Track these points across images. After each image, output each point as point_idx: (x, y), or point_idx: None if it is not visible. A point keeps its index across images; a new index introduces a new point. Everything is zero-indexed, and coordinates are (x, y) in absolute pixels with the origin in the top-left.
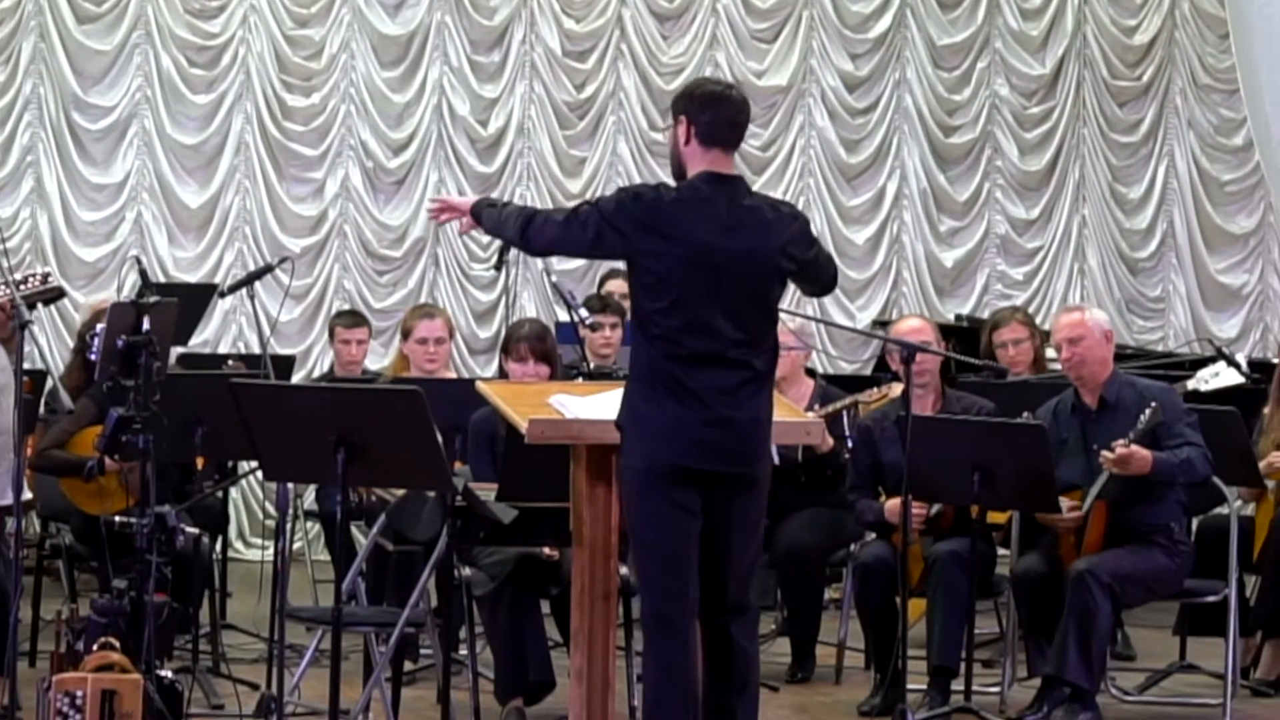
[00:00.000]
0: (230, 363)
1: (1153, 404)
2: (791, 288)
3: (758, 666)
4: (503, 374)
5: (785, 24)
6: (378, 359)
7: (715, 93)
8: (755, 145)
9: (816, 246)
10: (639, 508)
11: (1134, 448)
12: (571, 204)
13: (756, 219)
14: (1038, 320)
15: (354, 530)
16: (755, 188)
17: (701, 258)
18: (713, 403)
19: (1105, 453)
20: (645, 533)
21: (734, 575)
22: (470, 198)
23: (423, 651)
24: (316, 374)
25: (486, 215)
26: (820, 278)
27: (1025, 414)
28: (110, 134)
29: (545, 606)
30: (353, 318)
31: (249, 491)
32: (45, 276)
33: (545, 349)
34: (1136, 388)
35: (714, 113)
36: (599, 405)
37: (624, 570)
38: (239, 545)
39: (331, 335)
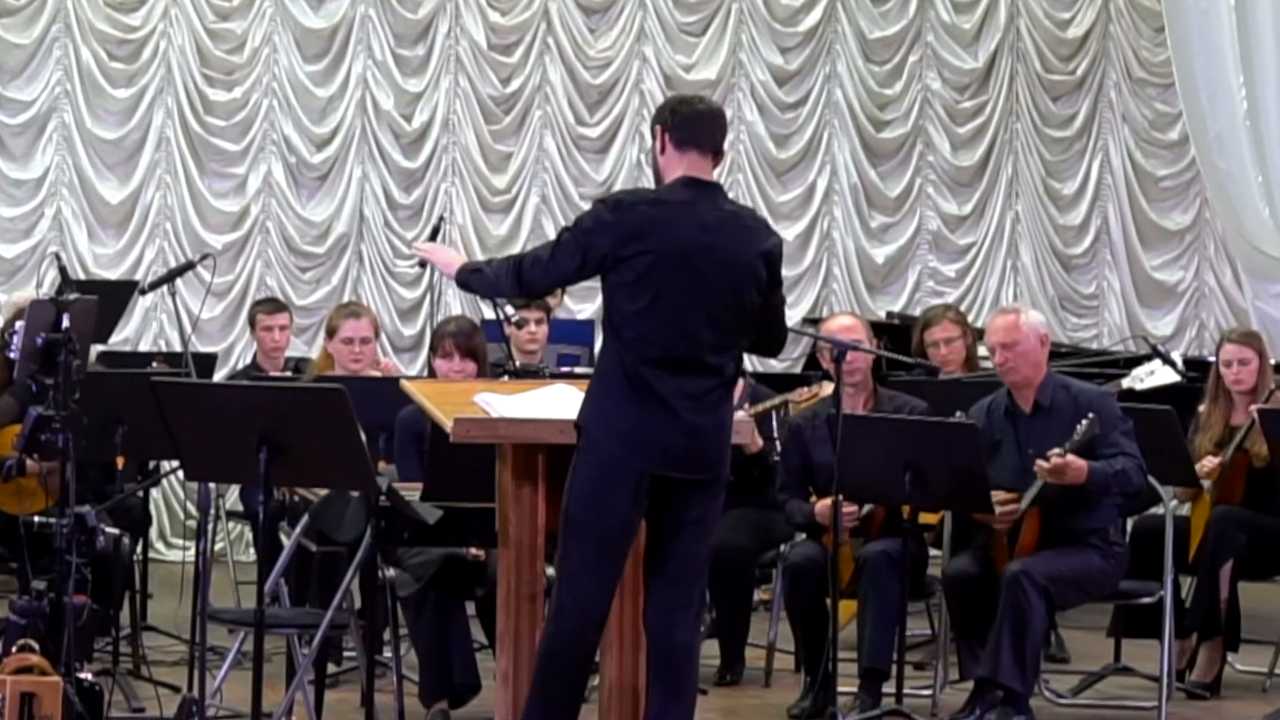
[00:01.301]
0: (155, 364)
1: (1090, 415)
2: None
3: (697, 667)
4: (430, 372)
5: (714, 17)
6: (299, 352)
7: (684, 98)
8: None
9: (782, 285)
10: (588, 506)
11: (1069, 458)
12: (497, 200)
13: (736, 224)
14: (970, 318)
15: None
16: None
17: (681, 258)
18: (681, 409)
19: (1040, 462)
20: (588, 531)
21: (682, 575)
22: (456, 258)
23: (346, 654)
24: (240, 368)
25: (477, 281)
26: (776, 328)
27: (958, 413)
28: (29, 129)
29: (470, 608)
30: (273, 304)
31: (170, 491)
32: None
33: (472, 346)
34: (1071, 391)
35: (683, 116)
36: (525, 404)
37: (550, 571)
38: (160, 546)
39: (252, 324)
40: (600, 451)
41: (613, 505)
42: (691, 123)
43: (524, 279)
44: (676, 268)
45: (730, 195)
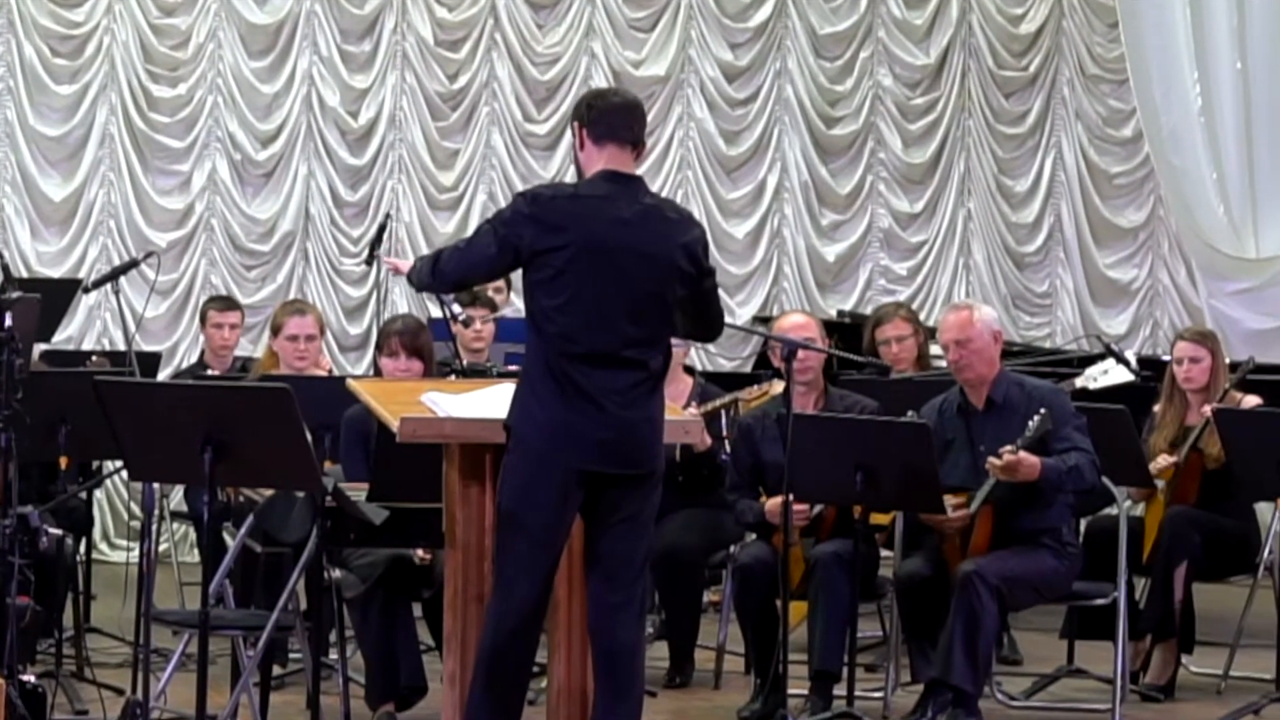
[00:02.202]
0: (93, 359)
1: (1042, 410)
2: None
3: (643, 668)
4: (376, 370)
5: (663, 13)
6: (246, 352)
7: (600, 91)
8: None
9: (712, 273)
10: (519, 505)
11: (1022, 454)
12: (444, 197)
13: (657, 216)
14: (922, 316)
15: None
16: None
17: (601, 252)
18: (607, 404)
19: (992, 459)
20: (520, 530)
21: (620, 574)
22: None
23: (292, 655)
24: (185, 366)
25: (414, 276)
26: (709, 313)
27: (910, 413)
28: None
29: (417, 609)
30: (225, 302)
31: (114, 492)
32: None
33: (418, 344)
34: (1024, 388)
35: (600, 110)
36: (472, 403)
37: None
38: (104, 547)
39: (203, 320)
40: (529, 449)
41: (543, 503)
42: (608, 116)
43: (438, 269)
44: (596, 262)
45: (680, 193)
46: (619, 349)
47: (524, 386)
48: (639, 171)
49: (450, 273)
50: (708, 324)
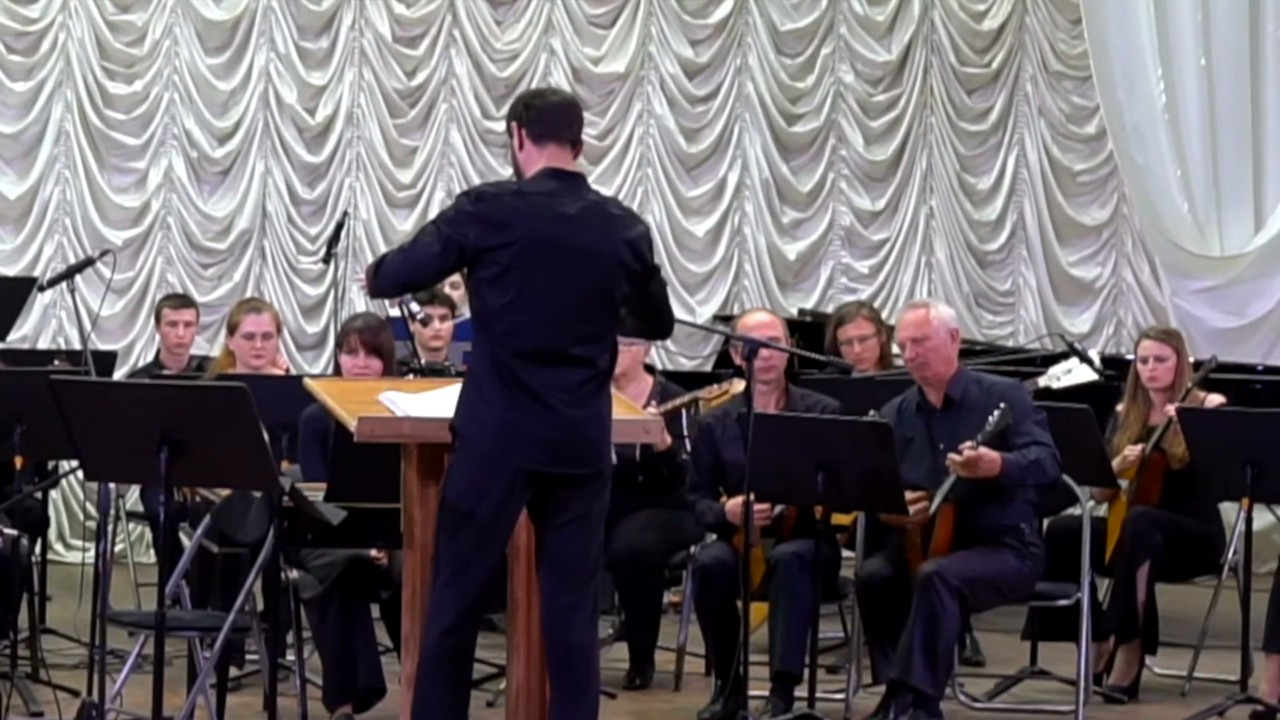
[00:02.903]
0: (56, 362)
1: (1002, 405)
2: None
3: (598, 669)
4: (336, 368)
5: (623, 9)
6: (202, 351)
7: (537, 91)
8: (592, 134)
9: (658, 269)
10: (462, 504)
11: (982, 450)
12: (403, 195)
13: (601, 212)
14: (884, 315)
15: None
16: (592, 178)
17: (547, 249)
18: (554, 402)
19: (953, 455)
20: (463, 530)
21: (572, 574)
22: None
23: (249, 657)
24: (141, 365)
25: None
26: (659, 310)
27: (871, 412)
28: None
29: (375, 610)
30: (180, 299)
31: (70, 492)
32: None
33: (378, 342)
34: (983, 385)
35: (538, 109)
36: (430, 403)
37: None
38: (59, 547)
39: (158, 318)
40: (475, 450)
41: (488, 502)
42: (547, 115)
43: (382, 273)
44: (543, 259)
45: (640, 190)
46: (567, 346)
47: (470, 387)
48: (601, 169)
49: (394, 275)
50: (659, 322)
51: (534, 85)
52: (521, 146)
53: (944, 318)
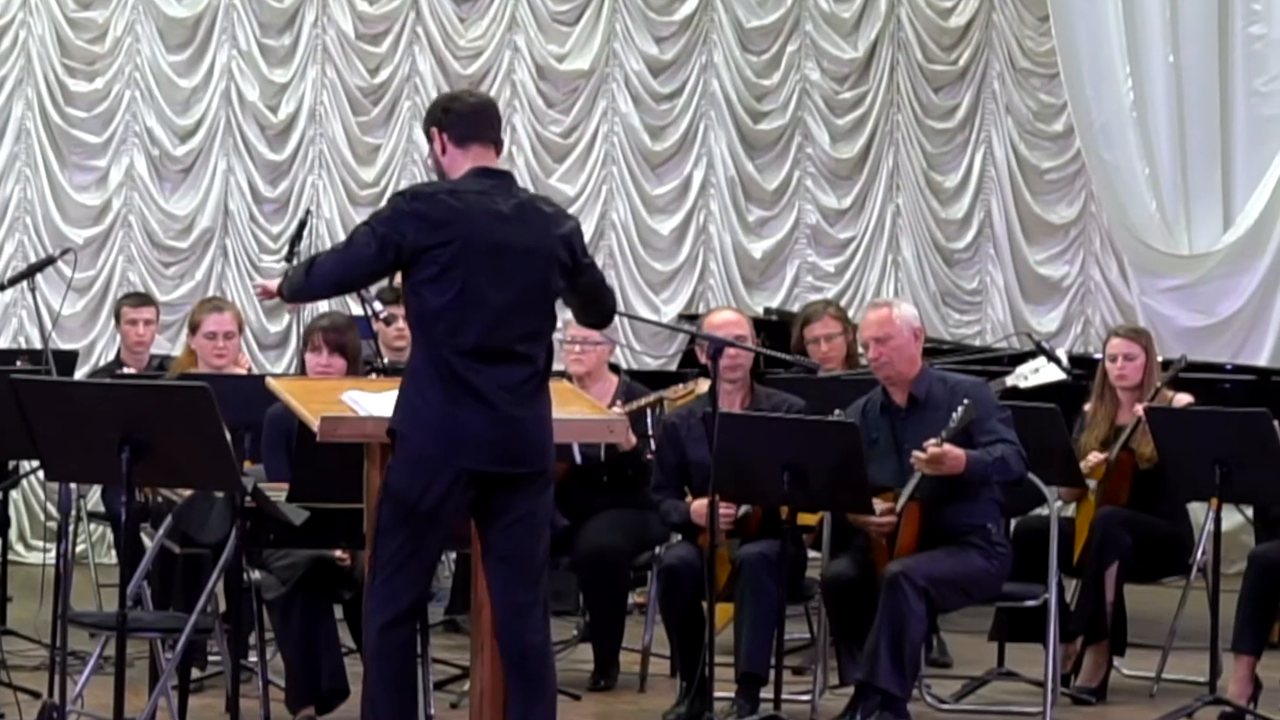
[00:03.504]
0: (19, 362)
1: (965, 401)
2: None
3: (554, 669)
4: (301, 367)
5: (587, 6)
6: (164, 350)
7: (454, 95)
8: (556, 132)
9: (591, 259)
10: (403, 503)
11: (946, 447)
12: (365, 193)
13: (534, 208)
14: (850, 314)
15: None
16: (556, 176)
17: (485, 246)
18: (497, 401)
19: (917, 453)
20: (402, 529)
21: (521, 576)
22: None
23: (211, 658)
24: (103, 365)
25: (285, 286)
26: (599, 300)
27: (837, 411)
28: None
29: (339, 611)
30: (139, 298)
31: (30, 492)
32: None
33: (342, 341)
34: (947, 383)
35: (458, 113)
36: (393, 402)
37: None
38: (19, 548)
39: (118, 318)
40: (415, 450)
41: (427, 503)
42: (468, 118)
43: (315, 274)
44: (481, 257)
45: (604, 188)
46: (509, 344)
47: (409, 389)
48: (565, 166)
49: (328, 275)
50: (600, 312)
51: (498, 83)
52: (445, 151)
53: (907, 317)
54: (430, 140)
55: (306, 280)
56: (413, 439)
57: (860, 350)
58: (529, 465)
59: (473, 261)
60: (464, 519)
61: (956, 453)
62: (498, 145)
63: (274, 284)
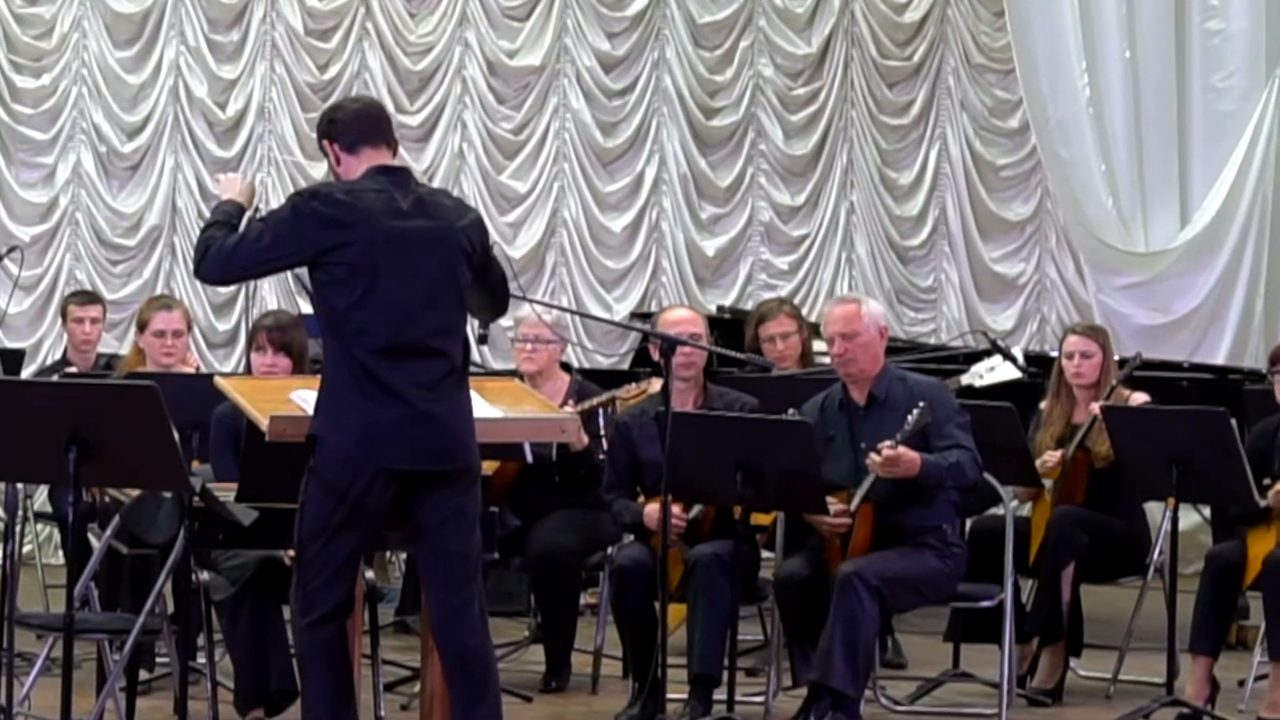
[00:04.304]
0: None
1: (921, 404)
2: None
3: (495, 668)
4: (248, 366)
5: (539, 1)
6: (112, 349)
7: (338, 104)
8: (507, 129)
9: (491, 251)
10: (324, 504)
11: (901, 449)
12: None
13: (434, 203)
14: (804, 312)
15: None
16: (507, 173)
17: (389, 243)
18: (414, 399)
19: (872, 455)
20: (324, 531)
21: (455, 575)
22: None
23: (159, 660)
24: (49, 363)
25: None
26: (496, 292)
27: (790, 410)
28: None
29: (288, 612)
30: (85, 296)
31: None
32: None
33: (287, 339)
34: (907, 384)
35: (344, 121)
36: None
37: (369, 575)
38: None
39: (64, 316)
40: (334, 452)
41: (348, 503)
42: (355, 123)
43: (202, 266)
44: (384, 254)
45: (555, 185)
46: (422, 340)
47: (326, 393)
48: (516, 163)
49: (215, 269)
50: (496, 299)
51: (448, 79)
52: (339, 162)
53: (875, 314)
54: (325, 154)
55: (201, 264)
56: (331, 441)
57: (818, 349)
58: (450, 462)
59: (376, 259)
60: (397, 519)
61: (911, 455)
62: (391, 146)
63: (228, 187)
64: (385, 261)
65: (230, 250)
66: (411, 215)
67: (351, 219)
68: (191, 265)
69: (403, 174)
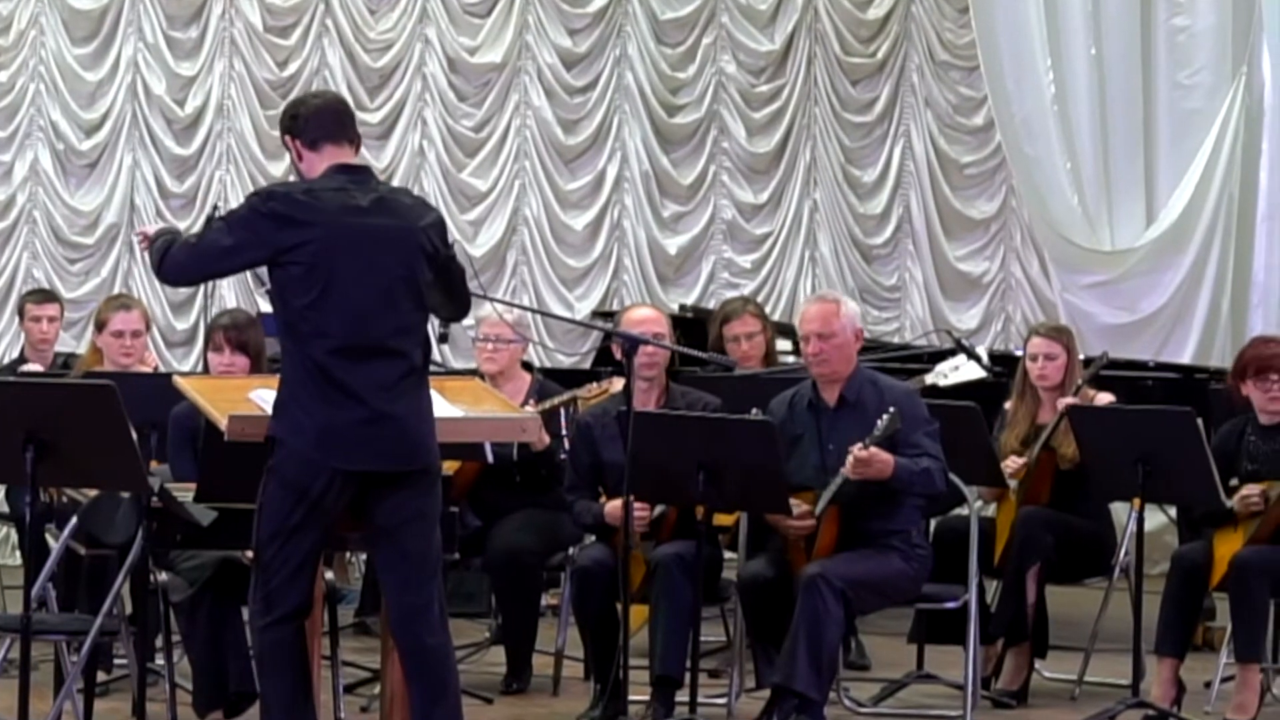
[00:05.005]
0: None
1: (890, 409)
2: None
3: (454, 669)
4: (206, 366)
5: None
6: (69, 348)
7: (300, 99)
8: (468, 126)
9: (453, 252)
10: (282, 505)
11: (873, 450)
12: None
13: (395, 200)
14: (767, 311)
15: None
16: (467, 171)
17: (347, 242)
18: (373, 399)
19: (847, 459)
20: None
21: (415, 576)
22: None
23: (117, 661)
24: (6, 362)
25: (152, 256)
26: (456, 293)
27: (754, 410)
28: None
29: (246, 614)
30: (43, 294)
31: None
32: None
33: (244, 339)
34: (879, 386)
35: (305, 117)
36: None
37: (329, 575)
38: None
39: (21, 315)
40: (292, 453)
41: (306, 504)
42: (315, 120)
43: (163, 266)
44: (342, 253)
45: (516, 183)
46: (381, 339)
47: (285, 394)
48: (477, 161)
49: (178, 267)
50: (458, 303)
51: (408, 76)
52: (301, 158)
53: (852, 315)
54: (287, 149)
55: (160, 266)
56: (289, 442)
57: (781, 348)
58: (409, 463)
59: (334, 259)
60: (352, 522)
61: (885, 457)
62: (353, 142)
63: (151, 229)
64: (343, 261)
65: (190, 251)
66: (371, 214)
67: (309, 218)
68: (152, 265)
69: (363, 172)
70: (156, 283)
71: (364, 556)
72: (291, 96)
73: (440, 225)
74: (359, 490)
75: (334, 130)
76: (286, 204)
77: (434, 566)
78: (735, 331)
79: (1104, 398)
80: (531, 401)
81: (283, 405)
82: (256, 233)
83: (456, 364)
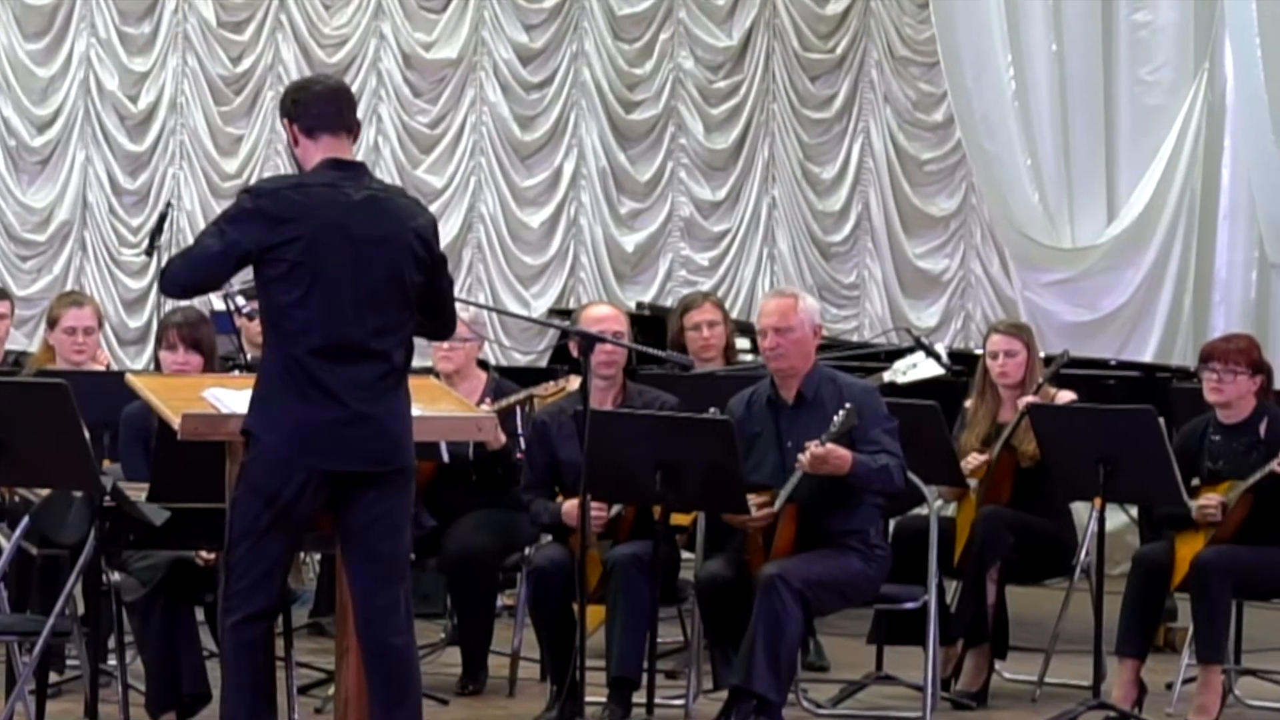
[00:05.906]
0: None
1: (847, 405)
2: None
3: (417, 671)
4: (158, 364)
5: None
6: (21, 346)
7: (302, 83)
8: (423, 122)
9: (445, 262)
10: (254, 503)
11: (830, 446)
12: (228, 185)
13: (387, 200)
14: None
15: None
16: (423, 168)
17: (334, 240)
18: (350, 400)
19: (801, 456)
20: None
21: (383, 576)
22: None
23: (69, 662)
24: None
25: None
26: (445, 309)
27: (711, 409)
28: None
29: (200, 614)
30: None
31: None
32: None
33: (196, 336)
34: (838, 383)
35: (305, 101)
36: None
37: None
38: None
39: None
40: (268, 450)
41: (280, 503)
42: (315, 107)
43: (166, 273)
44: (330, 250)
45: (472, 180)
46: (363, 340)
47: (262, 388)
48: (433, 158)
49: (177, 278)
50: (443, 321)
51: (363, 71)
52: (297, 142)
53: (810, 310)
54: (284, 130)
55: (161, 281)
56: (265, 439)
57: (740, 345)
58: (385, 464)
59: (321, 257)
60: (325, 519)
61: (842, 453)
62: (351, 132)
63: None
64: (328, 260)
65: (185, 260)
66: (361, 210)
67: (296, 215)
68: (159, 284)
69: (357, 168)
70: (109, 279)
71: (318, 557)
72: (292, 81)
73: (431, 228)
74: (333, 491)
75: (333, 120)
76: (275, 201)
77: (402, 567)
78: (696, 319)
79: (1065, 396)
80: (487, 400)
81: (260, 400)
82: (246, 231)
83: (413, 362)
